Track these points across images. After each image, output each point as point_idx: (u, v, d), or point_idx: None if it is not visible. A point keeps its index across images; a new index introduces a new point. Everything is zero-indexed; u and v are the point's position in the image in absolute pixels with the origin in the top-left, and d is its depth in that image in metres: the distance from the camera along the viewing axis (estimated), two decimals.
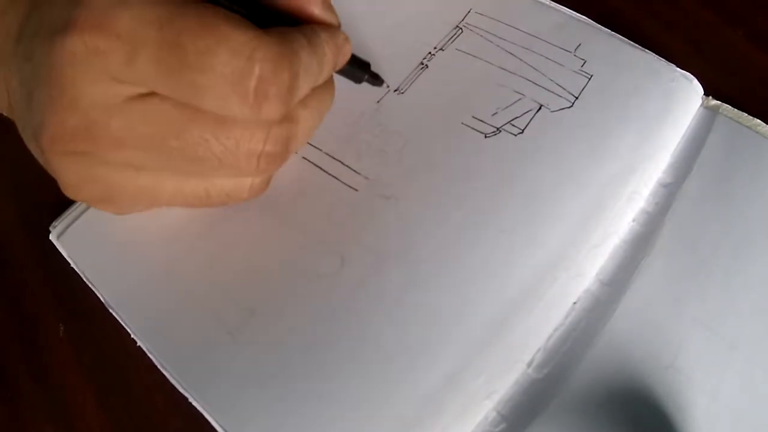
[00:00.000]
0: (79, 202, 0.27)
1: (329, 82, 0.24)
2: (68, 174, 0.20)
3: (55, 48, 0.18)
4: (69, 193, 0.21)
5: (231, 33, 0.18)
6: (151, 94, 0.19)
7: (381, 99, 0.30)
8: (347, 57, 0.24)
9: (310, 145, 0.29)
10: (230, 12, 0.19)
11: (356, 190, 0.27)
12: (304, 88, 0.20)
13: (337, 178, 0.28)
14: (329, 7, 0.23)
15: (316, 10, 0.22)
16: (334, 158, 0.28)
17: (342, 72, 0.26)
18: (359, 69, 0.27)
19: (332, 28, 0.22)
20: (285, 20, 0.22)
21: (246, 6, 0.20)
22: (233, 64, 0.18)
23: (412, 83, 0.30)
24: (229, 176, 0.22)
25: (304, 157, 0.28)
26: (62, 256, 0.26)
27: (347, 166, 0.28)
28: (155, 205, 0.24)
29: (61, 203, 0.27)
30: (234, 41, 0.18)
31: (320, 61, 0.21)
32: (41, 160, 0.21)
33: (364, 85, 0.28)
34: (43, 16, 0.19)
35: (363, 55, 0.28)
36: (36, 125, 0.19)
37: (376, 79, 0.28)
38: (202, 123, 0.19)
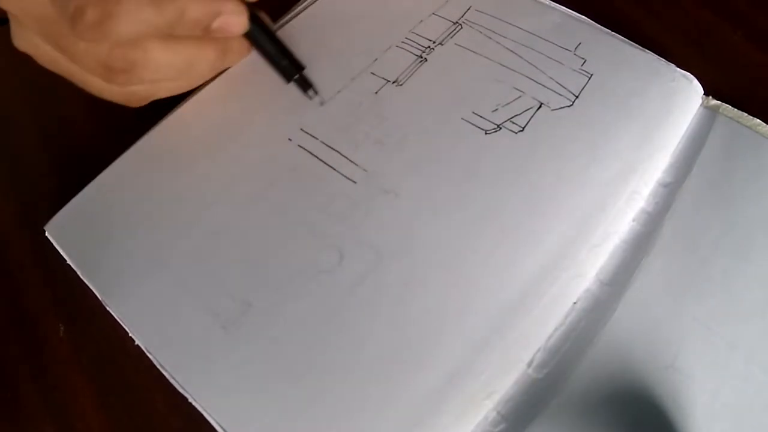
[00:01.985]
0: (77, 200, 0.27)
1: (214, 44, 0.27)
2: None
3: None
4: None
5: None
6: None
7: (379, 90, 0.30)
8: (232, 28, 0.26)
9: (306, 133, 0.28)
10: None
11: (354, 182, 0.27)
12: (129, 28, 0.23)
13: (334, 169, 0.27)
14: None
15: None
16: (332, 148, 0.28)
17: (275, 64, 0.28)
18: (292, 67, 0.28)
19: None
20: None
21: None
22: None
23: (410, 76, 0.30)
24: (92, 73, 0.25)
25: (300, 146, 0.28)
26: (62, 256, 0.26)
27: (345, 156, 0.28)
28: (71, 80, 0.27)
29: (60, 202, 0.27)
30: None
31: (175, 15, 0.24)
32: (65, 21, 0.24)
33: (363, 77, 0.29)
34: None
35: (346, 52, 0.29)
36: None
37: (305, 85, 0.29)
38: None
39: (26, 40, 0.26)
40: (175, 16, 0.24)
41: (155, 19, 0.23)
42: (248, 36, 0.28)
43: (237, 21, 0.26)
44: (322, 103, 0.29)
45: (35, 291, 0.27)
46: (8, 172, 0.30)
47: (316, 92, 0.29)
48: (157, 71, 0.26)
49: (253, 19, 0.27)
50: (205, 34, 0.26)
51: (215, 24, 0.25)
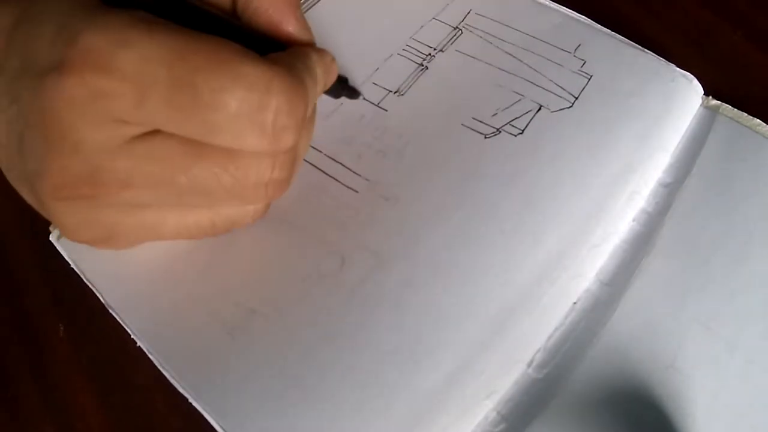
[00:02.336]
0: None
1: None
2: (67, 218, 0.20)
3: (48, 90, 0.17)
4: (67, 236, 0.21)
5: (244, 68, 0.18)
6: (155, 132, 0.18)
7: (381, 101, 0.30)
8: (335, 76, 0.24)
9: (311, 147, 0.29)
10: (236, 43, 0.18)
11: (356, 191, 0.27)
12: (308, 110, 0.20)
13: (337, 180, 0.28)
14: (304, 25, 0.22)
15: (292, 29, 0.22)
16: (335, 160, 0.28)
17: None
18: (337, 84, 0.26)
19: (320, 49, 0.22)
20: (261, 41, 0.22)
21: (224, 30, 0.20)
22: (250, 100, 0.18)
23: (411, 85, 0.30)
24: (235, 206, 0.22)
25: (304, 159, 0.28)
26: (62, 256, 0.26)
27: (347, 167, 0.28)
28: (157, 240, 0.23)
29: None
30: (249, 76, 0.18)
31: (315, 83, 0.21)
32: (34, 204, 0.20)
33: (365, 88, 0.28)
34: (27, 52, 0.18)
35: (357, 59, 0.28)
36: (32, 172, 0.18)
37: (353, 93, 0.28)
38: (210, 157, 0.19)
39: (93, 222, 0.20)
40: (314, 81, 0.21)
41: (314, 91, 0.21)
42: None
43: (336, 67, 0.23)
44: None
45: (35, 291, 0.27)
46: None
47: (361, 95, 0.28)
48: (302, 157, 0.23)
49: None
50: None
51: (328, 80, 0.23)
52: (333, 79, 0.24)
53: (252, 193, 0.20)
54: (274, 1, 0.22)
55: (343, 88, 0.27)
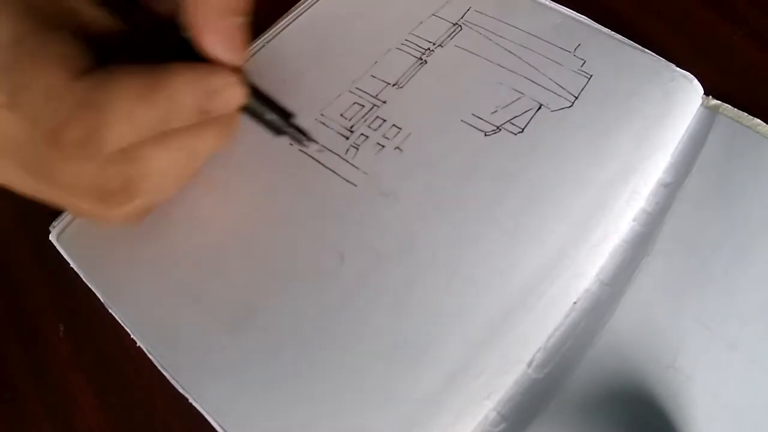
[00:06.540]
0: None
1: (212, 123, 0.22)
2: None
3: None
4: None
5: (46, 68, 0.18)
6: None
7: (379, 93, 0.30)
8: (231, 103, 0.21)
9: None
10: (77, 44, 0.19)
11: (355, 185, 0.27)
12: (122, 135, 0.19)
13: (335, 172, 0.28)
14: (227, 42, 0.20)
15: (206, 42, 0.20)
16: (332, 151, 0.28)
17: (258, 118, 0.23)
18: (279, 118, 0.23)
19: (206, 69, 0.20)
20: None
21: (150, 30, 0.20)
22: (43, 98, 0.19)
23: (410, 78, 0.30)
24: (82, 200, 0.22)
25: (301, 150, 0.28)
26: (62, 256, 0.26)
27: (345, 159, 0.28)
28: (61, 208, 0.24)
29: None
30: (47, 78, 0.18)
31: (168, 105, 0.20)
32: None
33: (364, 80, 0.28)
34: None
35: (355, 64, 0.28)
36: None
37: (300, 135, 0.24)
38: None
39: (1, 172, 0.21)
40: (168, 106, 0.20)
41: (148, 116, 0.19)
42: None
43: (236, 93, 0.21)
44: (320, 151, 0.28)
45: (35, 291, 0.27)
46: None
47: (311, 139, 0.24)
48: (160, 178, 0.22)
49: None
50: (202, 117, 0.21)
51: (213, 104, 0.21)
52: (226, 104, 0.21)
53: (85, 195, 0.21)
54: (198, 9, 0.20)
55: (284, 123, 0.23)
